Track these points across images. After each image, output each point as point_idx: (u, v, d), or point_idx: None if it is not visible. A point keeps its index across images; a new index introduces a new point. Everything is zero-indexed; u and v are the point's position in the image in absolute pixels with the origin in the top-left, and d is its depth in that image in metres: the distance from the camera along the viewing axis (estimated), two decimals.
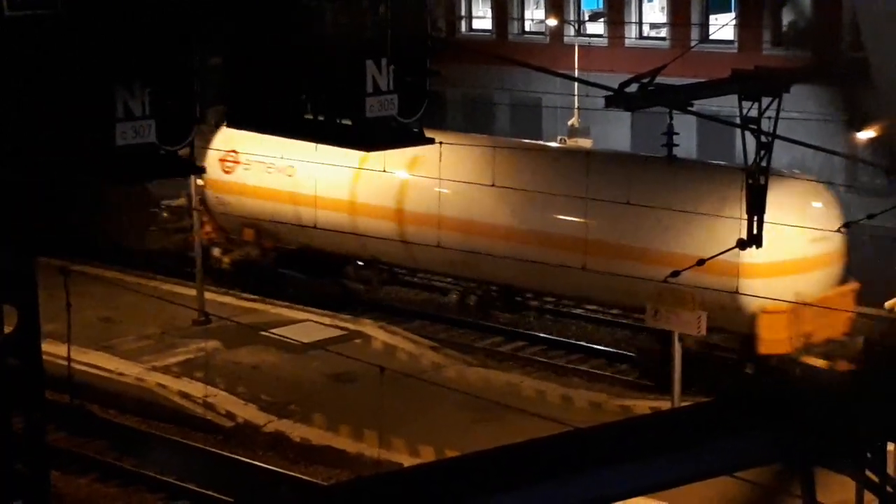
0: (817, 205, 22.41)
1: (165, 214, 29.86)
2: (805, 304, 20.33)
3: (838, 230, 20.58)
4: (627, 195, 22.13)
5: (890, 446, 9.20)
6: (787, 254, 21.59)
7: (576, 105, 38.58)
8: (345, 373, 23.16)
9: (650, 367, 23.47)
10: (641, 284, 20.89)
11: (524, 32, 43.35)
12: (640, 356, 24.34)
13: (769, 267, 21.31)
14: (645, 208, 21.98)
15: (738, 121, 16.36)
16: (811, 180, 23.16)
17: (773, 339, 20.96)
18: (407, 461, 19.62)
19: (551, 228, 23.76)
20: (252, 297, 28.06)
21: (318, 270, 28.17)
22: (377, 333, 25.70)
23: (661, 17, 40.18)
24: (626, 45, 39.95)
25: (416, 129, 13.53)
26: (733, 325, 21.43)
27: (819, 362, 20.99)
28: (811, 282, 21.72)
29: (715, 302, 20.35)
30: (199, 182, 26.24)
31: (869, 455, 8.79)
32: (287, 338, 23.82)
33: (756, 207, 17.18)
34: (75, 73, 11.80)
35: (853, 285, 22.56)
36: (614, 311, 26.73)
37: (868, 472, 8.84)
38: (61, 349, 20.02)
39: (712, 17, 38.67)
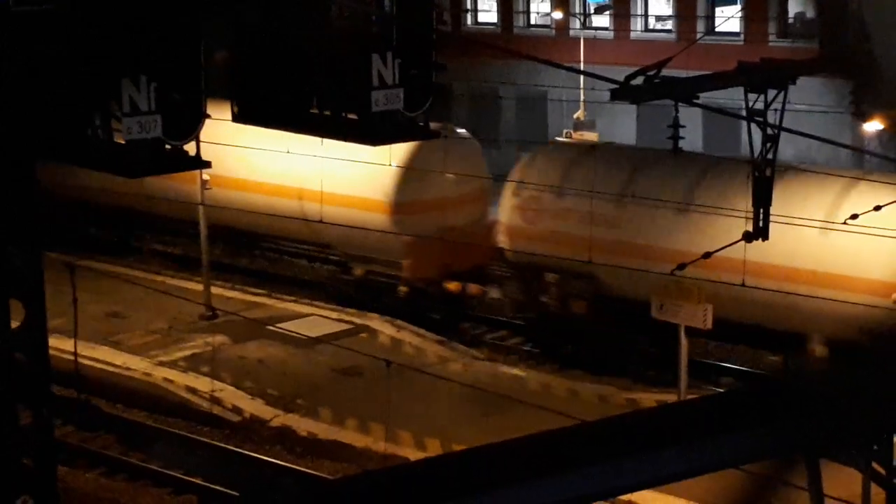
0: (462, 155, 26.18)
1: None
2: (443, 237, 24.74)
3: (844, 222, 20.55)
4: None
5: None
6: (431, 194, 25.54)
7: (581, 98, 38.54)
8: (351, 367, 23.18)
9: None
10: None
11: (530, 26, 43.29)
12: None
13: (415, 205, 25.24)
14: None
15: (744, 113, 16.32)
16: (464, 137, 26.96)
17: (418, 266, 25.06)
18: (413, 455, 19.63)
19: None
20: (258, 291, 28.11)
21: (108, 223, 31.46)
22: (383, 328, 25.72)
23: (667, 10, 40.11)
24: (632, 38, 39.88)
25: (421, 123, 13.53)
26: (389, 255, 25.32)
27: (453, 286, 25.46)
28: (452, 217, 25.75)
29: (377, 238, 24.82)
30: (206, 177, 26.24)
31: (876, 447, 8.78)
32: (293, 332, 23.83)
33: (762, 200, 17.14)
34: (81, 67, 11.81)
35: (492, 221, 26.01)
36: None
37: (875, 465, 8.83)
38: (68, 344, 20.04)
39: (718, 10, 38.59)
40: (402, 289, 25.60)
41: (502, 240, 24.92)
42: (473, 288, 25.45)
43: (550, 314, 23.90)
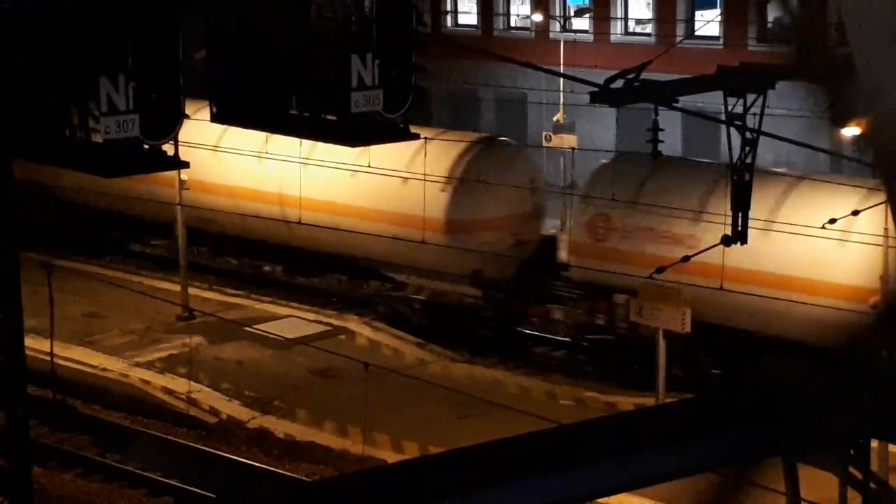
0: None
1: None
2: None
3: (822, 227, 20.63)
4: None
5: (873, 443, 9.21)
6: None
7: (561, 101, 38.56)
8: (329, 369, 23.13)
9: None
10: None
11: (510, 28, 43.30)
12: None
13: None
14: None
15: (723, 117, 16.33)
16: None
17: None
18: (391, 457, 19.60)
19: None
20: (236, 292, 28.02)
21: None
22: (361, 329, 25.67)
23: (647, 13, 40.17)
24: (612, 41, 39.93)
25: (401, 125, 13.51)
26: None
27: None
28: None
29: None
30: (184, 177, 26.16)
31: (852, 452, 8.80)
32: (271, 333, 23.78)
33: (741, 203, 17.17)
34: (59, 66, 11.75)
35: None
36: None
37: (851, 469, 8.85)
38: (44, 344, 19.96)
39: (698, 13, 38.66)
40: None
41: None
42: None
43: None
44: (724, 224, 18.10)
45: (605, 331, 23.68)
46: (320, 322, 25.99)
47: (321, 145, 23.60)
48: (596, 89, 13.49)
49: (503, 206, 24.99)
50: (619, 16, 40.17)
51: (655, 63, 14.67)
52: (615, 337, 23.46)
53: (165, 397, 22.52)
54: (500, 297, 24.88)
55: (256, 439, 21.17)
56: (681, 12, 38.65)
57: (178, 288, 26.56)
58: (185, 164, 12.36)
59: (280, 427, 21.28)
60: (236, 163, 27.18)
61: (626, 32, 40.38)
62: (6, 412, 12.65)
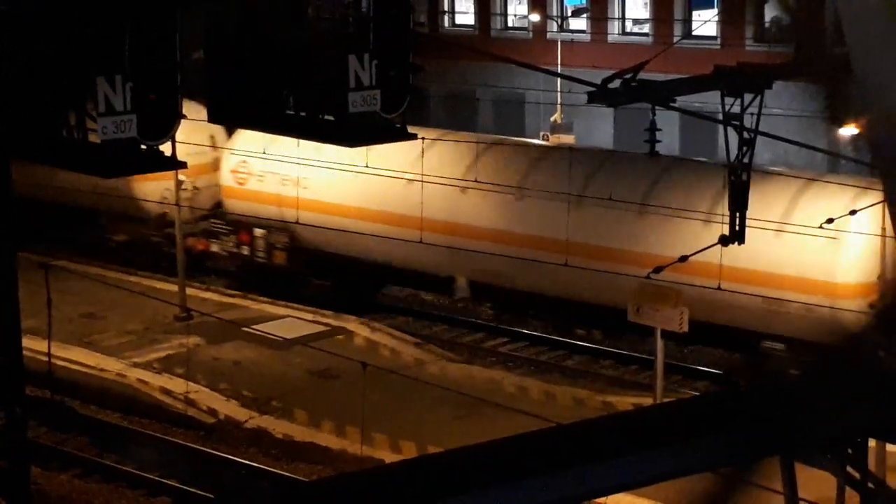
0: None
1: None
2: None
3: (820, 226, 20.64)
4: None
5: (871, 443, 9.21)
6: None
7: (558, 101, 38.57)
8: (327, 369, 23.13)
9: None
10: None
11: (507, 28, 43.31)
12: None
13: None
14: None
15: (720, 117, 16.34)
16: None
17: None
18: (389, 457, 19.60)
19: None
20: (234, 292, 28.03)
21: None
22: (360, 329, 25.67)
23: (644, 13, 40.18)
24: (609, 41, 39.95)
25: (398, 125, 13.51)
26: None
27: None
28: None
29: None
30: (182, 177, 26.15)
31: (850, 451, 8.80)
32: (269, 334, 23.77)
33: (738, 203, 17.17)
34: (56, 66, 11.75)
35: None
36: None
37: (849, 469, 8.85)
38: (42, 345, 19.93)
39: (695, 13, 38.68)
40: None
41: None
42: None
43: None
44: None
45: (248, 259, 28.56)
46: (318, 322, 25.99)
47: None
48: (593, 89, 13.49)
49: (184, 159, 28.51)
50: (616, 16, 40.19)
51: (653, 63, 14.67)
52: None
53: (163, 398, 22.51)
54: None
55: (255, 439, 21.16)
56: (678, 12, 38.66)
57: (175, 288, 26.55)
58: (183, 165, 12.36)
59: (278, 427, 21.28)
60: None
61: (624, 32, 40.39)
62: (4, 412, 12.65)
